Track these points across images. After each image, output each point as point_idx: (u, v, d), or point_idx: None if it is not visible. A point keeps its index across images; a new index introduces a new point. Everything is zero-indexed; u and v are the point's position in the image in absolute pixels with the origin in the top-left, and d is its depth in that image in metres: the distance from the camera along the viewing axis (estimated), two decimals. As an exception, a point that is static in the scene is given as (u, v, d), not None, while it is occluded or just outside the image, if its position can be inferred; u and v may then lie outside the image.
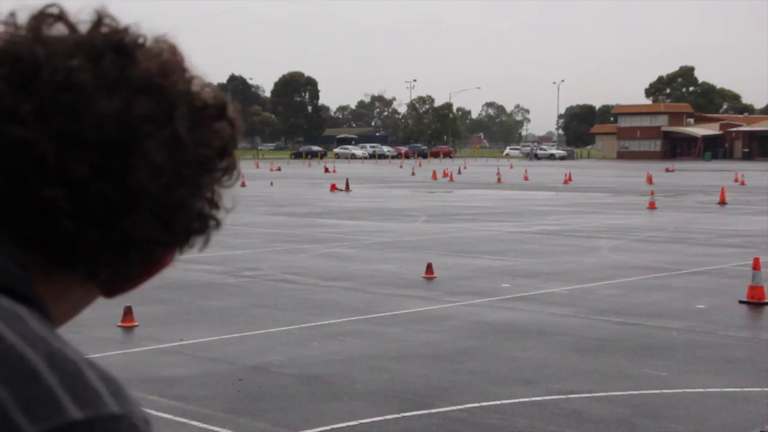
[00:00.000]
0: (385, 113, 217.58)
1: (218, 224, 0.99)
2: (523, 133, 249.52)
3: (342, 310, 12.77)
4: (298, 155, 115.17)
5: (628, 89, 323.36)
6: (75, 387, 0.79)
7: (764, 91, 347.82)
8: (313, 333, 11.33)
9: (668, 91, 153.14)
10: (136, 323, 11.55)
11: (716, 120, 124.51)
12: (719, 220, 27.41)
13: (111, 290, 0.99)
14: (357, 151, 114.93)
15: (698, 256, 18.86)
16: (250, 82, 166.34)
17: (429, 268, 15.81)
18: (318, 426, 7.69)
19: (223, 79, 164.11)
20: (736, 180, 51.78)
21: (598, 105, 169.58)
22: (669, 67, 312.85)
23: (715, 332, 11.54)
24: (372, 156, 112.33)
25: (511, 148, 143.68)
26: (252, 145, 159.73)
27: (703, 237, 22.55)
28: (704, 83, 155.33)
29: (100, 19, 0.93)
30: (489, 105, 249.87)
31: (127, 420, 0.81)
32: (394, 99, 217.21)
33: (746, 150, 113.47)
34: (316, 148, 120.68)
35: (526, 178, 55.76)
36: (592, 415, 8.04)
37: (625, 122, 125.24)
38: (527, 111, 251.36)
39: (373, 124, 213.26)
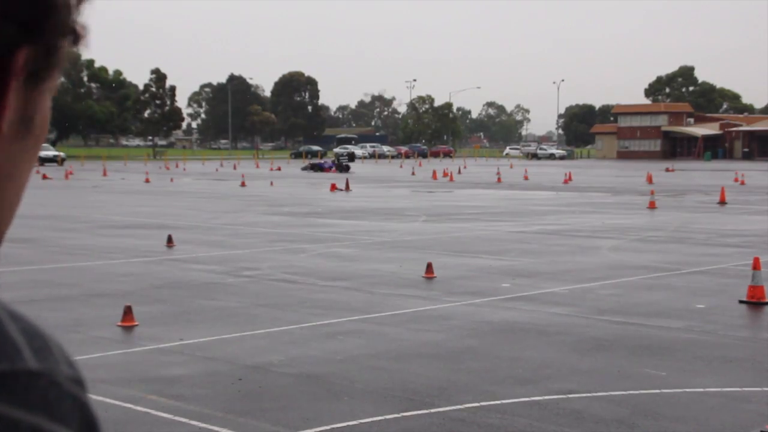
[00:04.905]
0: (385, 113, 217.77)
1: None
2: (523, 132, 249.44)
3: (342, 310, 12.77)
4: (298, 155, 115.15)
5: (628, 89, 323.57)
6: None
7: (764, 91, 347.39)
8: (313, 333, 11.33)
9: (668, 91, 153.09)
10: (136, 323, 11.56)
11: (716, 120, 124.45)
12: (719, 220, 27.41)
13: None
14: (357, 150, 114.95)
15: (698, 255, 18.85)
16: (250, 82, 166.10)
17: (429, 267, 15.81)
18: (318, 426, 7.69)
19: (223, 79, 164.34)
20: (736, 180, 51.78)
21: (598, 105, 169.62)
22: (669, 67, 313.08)
23: (715, 332, 11.54)
24: (372, 156, 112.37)
25: (511, 148, 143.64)
26: (252, 145, 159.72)
27: (703, 237, 22.54)
28: (704, 83, 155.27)
29: None
30: (489, 105, 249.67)
31: (46, 377, 0.75)
32: (394, 99, 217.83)
33: (746, 150, 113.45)
34: (316, 147, 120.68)
35: (525, 178, 55.76)
36: (592, 415, 8.04)
37: (625, 122, 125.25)
38: (527, 111, 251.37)
39: (373, 123, 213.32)
